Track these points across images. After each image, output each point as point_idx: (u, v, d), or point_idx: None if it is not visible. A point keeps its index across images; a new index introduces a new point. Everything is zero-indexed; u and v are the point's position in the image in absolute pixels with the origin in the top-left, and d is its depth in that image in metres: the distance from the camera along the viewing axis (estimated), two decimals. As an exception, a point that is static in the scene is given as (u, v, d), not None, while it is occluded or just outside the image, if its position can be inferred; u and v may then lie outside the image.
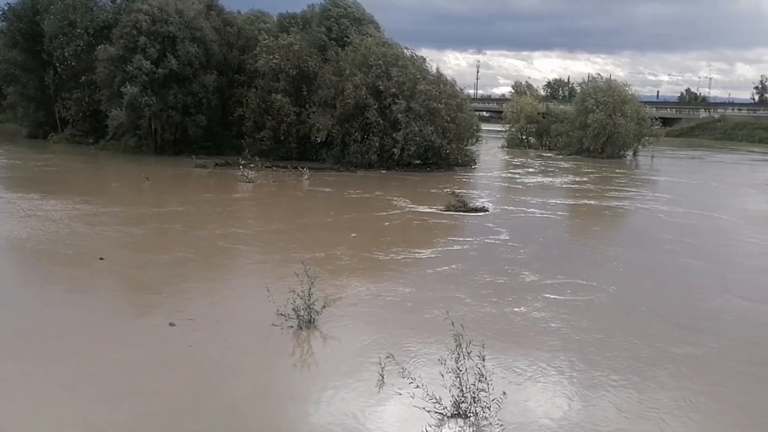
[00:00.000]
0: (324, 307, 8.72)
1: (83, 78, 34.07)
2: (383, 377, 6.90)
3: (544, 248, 14.51)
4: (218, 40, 33.25)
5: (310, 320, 8.67)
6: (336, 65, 30.96)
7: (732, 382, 7.38)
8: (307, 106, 31.14)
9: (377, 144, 29.36)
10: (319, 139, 30.15)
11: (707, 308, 10.22)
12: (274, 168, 27.92)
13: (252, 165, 25.60)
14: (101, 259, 11.92)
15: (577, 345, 8.38)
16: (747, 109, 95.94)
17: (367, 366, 7.33)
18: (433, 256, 13.30)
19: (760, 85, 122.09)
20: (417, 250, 13.62)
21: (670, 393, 7.06)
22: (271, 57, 30.92)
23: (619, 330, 9.01)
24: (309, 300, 8.66)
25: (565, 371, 7.50)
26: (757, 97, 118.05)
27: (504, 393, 6.21)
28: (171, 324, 8.65)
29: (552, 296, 10.47)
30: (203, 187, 23.80)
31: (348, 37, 32.70)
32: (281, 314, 8.54)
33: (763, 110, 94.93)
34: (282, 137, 31.01)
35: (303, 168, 26.06)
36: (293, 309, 8.59)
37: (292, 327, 8.56)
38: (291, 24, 36.08)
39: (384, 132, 29.46)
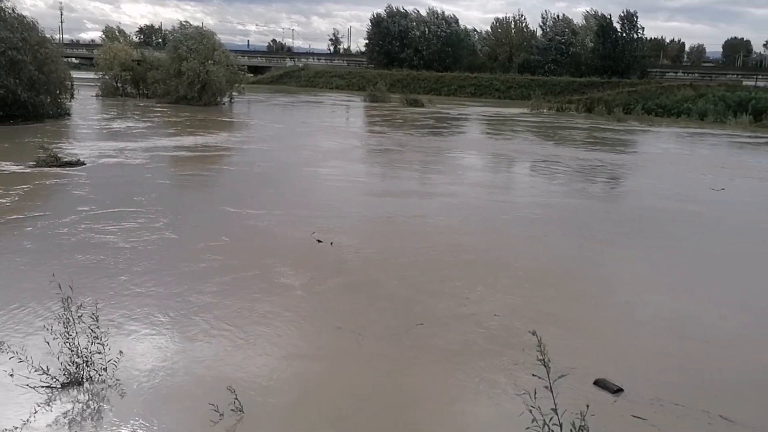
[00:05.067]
0: None
1: None
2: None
3: (139, 193, 15.10)
4: None
5: None
6: None
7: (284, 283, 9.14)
8: None
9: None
10: None
11: (246, 223, 12.31)
12: None
13: None
14: None
15: (160, 278, 8.90)
16: (325, 59, 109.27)
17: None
18: (23, 217, 12.71)
19: (333, 38, 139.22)
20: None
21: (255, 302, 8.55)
22: None
23: (172, 251, 10.21)
24: None
25: (167, 314, 7.64)
26: (332, 48, 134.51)
27: (121, 352, 6.05)
28: None
29: (144, 237, 11.32)
30: None
31: None
32: None
33: (338, 60, 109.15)
34: None
35: None
36: None
37: None
38: None
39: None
